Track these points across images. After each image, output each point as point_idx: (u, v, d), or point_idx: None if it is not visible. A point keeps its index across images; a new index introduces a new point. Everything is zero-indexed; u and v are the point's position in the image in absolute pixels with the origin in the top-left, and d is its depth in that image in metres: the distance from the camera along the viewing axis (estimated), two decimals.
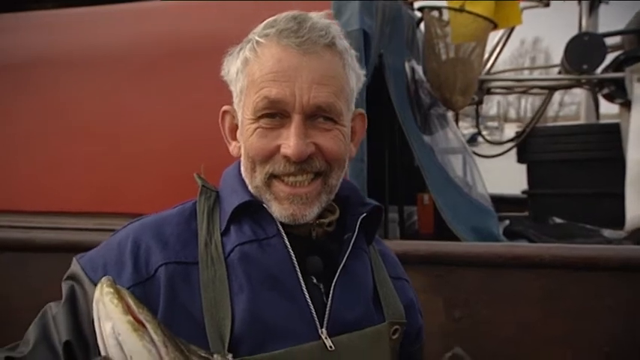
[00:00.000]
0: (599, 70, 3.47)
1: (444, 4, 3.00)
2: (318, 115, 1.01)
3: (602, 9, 3.89)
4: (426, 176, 2.56)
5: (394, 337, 1.10)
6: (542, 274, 2.11)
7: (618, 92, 3.37)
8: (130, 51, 2.52)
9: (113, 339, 0.82)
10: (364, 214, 1.11)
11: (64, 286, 1.04)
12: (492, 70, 3.99)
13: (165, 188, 2.29)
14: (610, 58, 3.48)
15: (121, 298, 0.83)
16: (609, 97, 3.65)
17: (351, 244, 1.08)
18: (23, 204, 2.53)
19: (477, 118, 4.16)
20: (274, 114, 1.00)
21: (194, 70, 2.37)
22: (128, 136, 2.45)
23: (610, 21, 4.04)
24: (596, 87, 3.72)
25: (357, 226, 1.09)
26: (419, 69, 3.08)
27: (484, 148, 4.37)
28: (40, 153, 2.55)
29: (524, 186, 3.92)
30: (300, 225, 1.05)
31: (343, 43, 1.05)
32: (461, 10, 2.87)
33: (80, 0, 2.88)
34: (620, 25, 3.66)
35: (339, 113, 1.03)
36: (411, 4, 3.19)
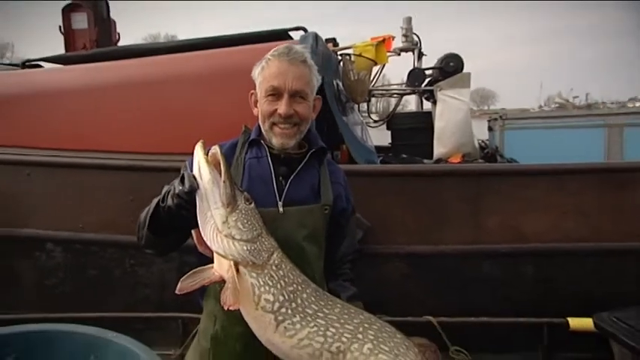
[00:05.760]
0: (423, 85, 4.59)
1: (352, 52, 3.77)
2: (296, 95, 1.38)
3: (424, 58, 4.90)
4: (344, 136, 3.13)
5: (325, 212, 1.46)
6: (394, 180, 2.75)
7: (431, 97, 4.47)
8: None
9: (197, 166, 1.11)
10: (313, 150, 1.48)
11: (182, 170, 1.31)
12: (375, 85, 4.70)
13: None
14: (427, 80, 4.63)
15: (204, 148, 1.12)
16: (427, 99, 4.74)
17: (302, 163, 1.46)
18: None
19: (368, 108, 5.05)
20: (274, 94, 1.38)
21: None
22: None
23: (428, 61, 4.80)
24: (421, 94, 4.83)
25: (308, 155, 1.47)
26: (340, 84, 3.60)
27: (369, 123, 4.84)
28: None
29: (389, 140, 4.82)
30: (281, 151, 1.43)
31: (311, 61, 1.43)
32: (359, 55, 3.75)
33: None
34: (432, 64, 4.73)
35: (307, 95, 1.40)
36: (336, 52, 3.80)
